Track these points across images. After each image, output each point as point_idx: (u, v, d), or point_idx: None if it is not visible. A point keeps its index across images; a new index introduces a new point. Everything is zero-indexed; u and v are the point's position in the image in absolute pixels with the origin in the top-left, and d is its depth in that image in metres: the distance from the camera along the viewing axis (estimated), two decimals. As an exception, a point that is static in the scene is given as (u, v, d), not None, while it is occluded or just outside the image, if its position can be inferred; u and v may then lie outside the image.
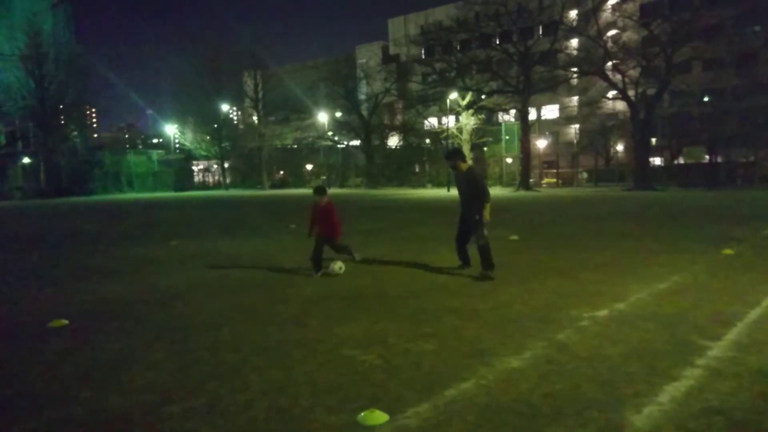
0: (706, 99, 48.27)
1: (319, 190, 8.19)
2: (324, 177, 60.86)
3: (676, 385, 3.65)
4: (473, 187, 7.64)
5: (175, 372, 4.14)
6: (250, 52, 60.59)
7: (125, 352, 4.69)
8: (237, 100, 67.69)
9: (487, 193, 7.50)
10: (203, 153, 62.09)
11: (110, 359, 4.50)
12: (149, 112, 65.27)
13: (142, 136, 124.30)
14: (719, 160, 44.94)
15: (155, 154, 64.70)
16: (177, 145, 65.95)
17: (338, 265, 7.86)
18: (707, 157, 46.28)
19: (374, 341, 4.78)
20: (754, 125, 39.72)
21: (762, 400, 3.42)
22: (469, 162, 9.01)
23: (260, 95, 60.88)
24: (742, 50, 43.33)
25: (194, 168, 66.73)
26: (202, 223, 18.46)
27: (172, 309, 6.17)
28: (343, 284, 7.29)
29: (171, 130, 65.52)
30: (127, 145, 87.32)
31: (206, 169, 68.40)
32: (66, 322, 5.60)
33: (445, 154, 9.43)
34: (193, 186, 62.21)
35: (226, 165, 63.10)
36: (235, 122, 72.82)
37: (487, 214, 7.50)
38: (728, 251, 9.20)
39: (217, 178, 66.40)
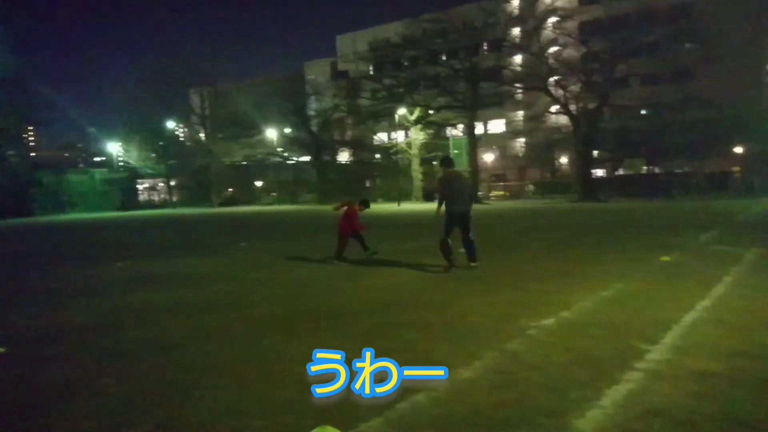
0: (643, 113, 50.40)
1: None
2: (274, 194, 60.32)
3: (618, 389, 3.82)
4: None
5: (124, 397, 4.05)
6: (196, 68, 59.79)
7: (71, 379, 4.54)
8: (184, 117, 66.47)
9: None
10: (149, 171, 60.64)
11: (55, 387, 4.35)
12: (91, 129, 63.05)
13: (84, 155, 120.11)
14: (658, 171, 46.93)
15: (98, 173, 62.70)
16: (121, 163, 64.06)
17: None
18: (645, 168, 48.23)
19: (328, 358, 4.79)
20: (690, 138, 41.68)
21: (698, 399, 3.61)
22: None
23: (207, 112, 59.98)
24: (677, 66, 45.55)
25: (139, 186, 65.00)
26: (150, 242, 18.02)
27: (121, 332, 6.01)
28: (300, 302, 7.27)
29: (114, 147, 63.74)
30: (68, 164, 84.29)
31: (152, 188, 66.72)
32: (3, 349, 5.37)
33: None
34: (138, 205, 60.57)
35: (173, 183, 61.78)
36: (182, 139, 71.29)
37: None
38: (666, 258, 9.63)
39: (163, 196, 64.86)
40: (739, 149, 43.47)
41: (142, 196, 65.08)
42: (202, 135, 63.11)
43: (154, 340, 5.63)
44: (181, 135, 71.35)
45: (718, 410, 3.45)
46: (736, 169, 44.89)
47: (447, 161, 9.40)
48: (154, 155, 59.46)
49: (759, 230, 14.55)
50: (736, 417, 3.35)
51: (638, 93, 49.05)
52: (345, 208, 10.84)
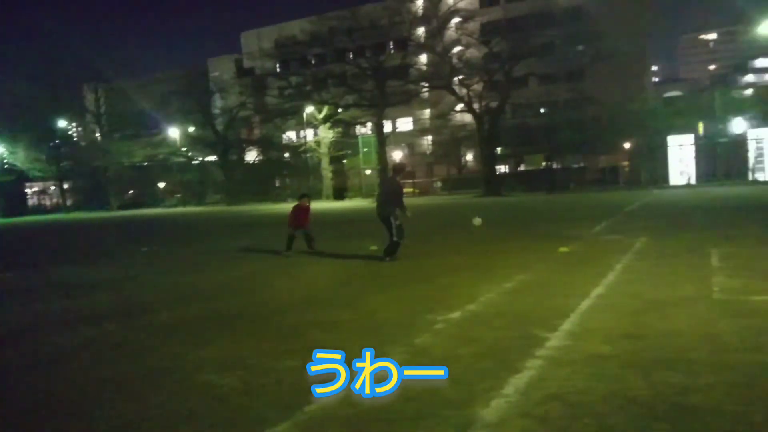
0: (542, 111, 53.00)
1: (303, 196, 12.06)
2: (179, 195, 58.03)
3: (520, 377, 3.95)
4: None
5: (10, 417, 3.72)
6: (89, 64, 56.30)
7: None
8: (77, 116, 62.37)
9: None
10: (38, 174, 56.46)
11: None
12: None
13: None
14: (556, 166, 49.46)
15: (-24, 177, 57.67)
16: (6, 166, 59.24)
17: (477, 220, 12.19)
18: (544, 163, 50.70)
19: (234, 363, 4.64)
20: (583, 135, 44.20)
21: (593, 381, 3.81)
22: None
23: (103, 110, 56.72)
24: (570, 67, 48.17)
25: (28, 190, 60.42)
26: (39, 250, 16.77)
27: (7, 347, 5.53)
28: (204, 306, 7.01)
29: (-3, 149, 58.82)
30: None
31: (43, 191, 62.20)
32: None
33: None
34: (27, 210, 56.32)
35: (66, 186, 57.87)
36: (76, 139, 66.87)
37: None
38: (564, 249, 10.13)
39: (56, 200, 60.66)
40: (627, 145, 46.59)
41: (32, 201, 60.60)
42: (97, 134, 59.51)
43: (44, 353, 5.23)
44: (75, 135, 67.07)
45: (611, 391, 3.64)
46: (625, 163, 48.08)
47: (394, 168, 11.47)
48: (44, 157, 55.41)
49: (646, 220, 15.64)
50: (627, 396, 3.55)
51: (536, 92, 51.54)
52: (296, 207, 11.79)
